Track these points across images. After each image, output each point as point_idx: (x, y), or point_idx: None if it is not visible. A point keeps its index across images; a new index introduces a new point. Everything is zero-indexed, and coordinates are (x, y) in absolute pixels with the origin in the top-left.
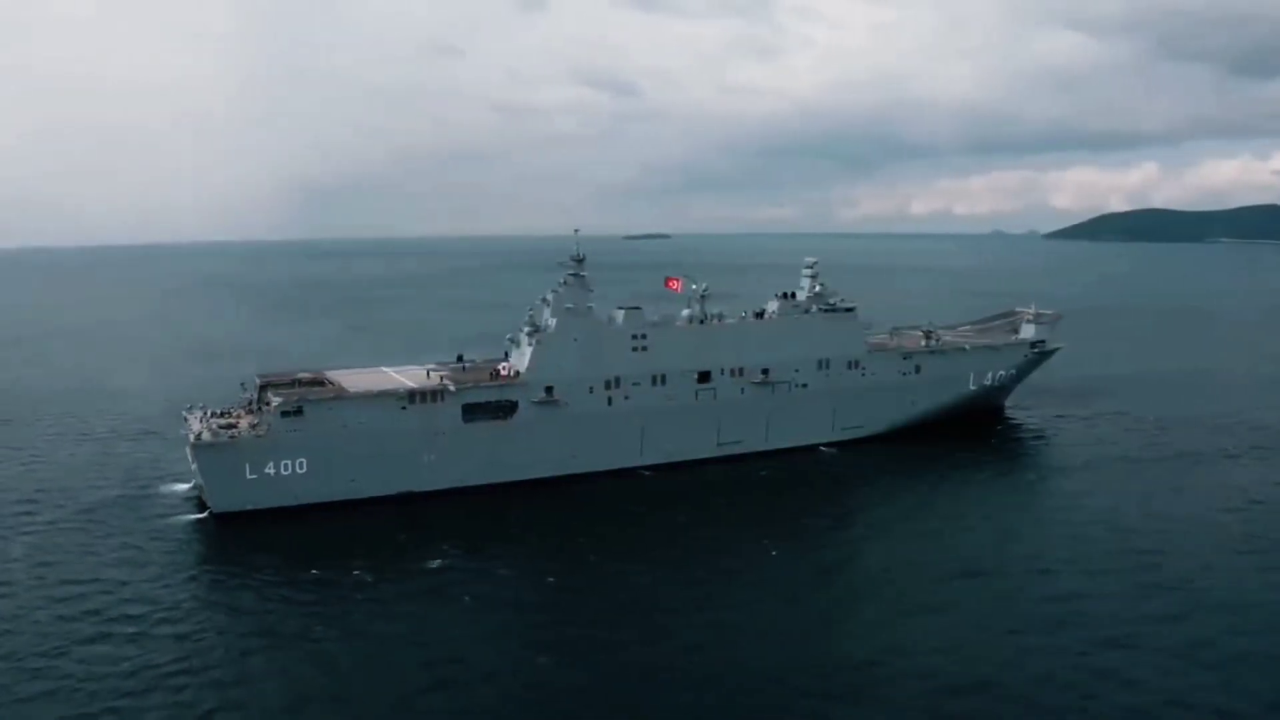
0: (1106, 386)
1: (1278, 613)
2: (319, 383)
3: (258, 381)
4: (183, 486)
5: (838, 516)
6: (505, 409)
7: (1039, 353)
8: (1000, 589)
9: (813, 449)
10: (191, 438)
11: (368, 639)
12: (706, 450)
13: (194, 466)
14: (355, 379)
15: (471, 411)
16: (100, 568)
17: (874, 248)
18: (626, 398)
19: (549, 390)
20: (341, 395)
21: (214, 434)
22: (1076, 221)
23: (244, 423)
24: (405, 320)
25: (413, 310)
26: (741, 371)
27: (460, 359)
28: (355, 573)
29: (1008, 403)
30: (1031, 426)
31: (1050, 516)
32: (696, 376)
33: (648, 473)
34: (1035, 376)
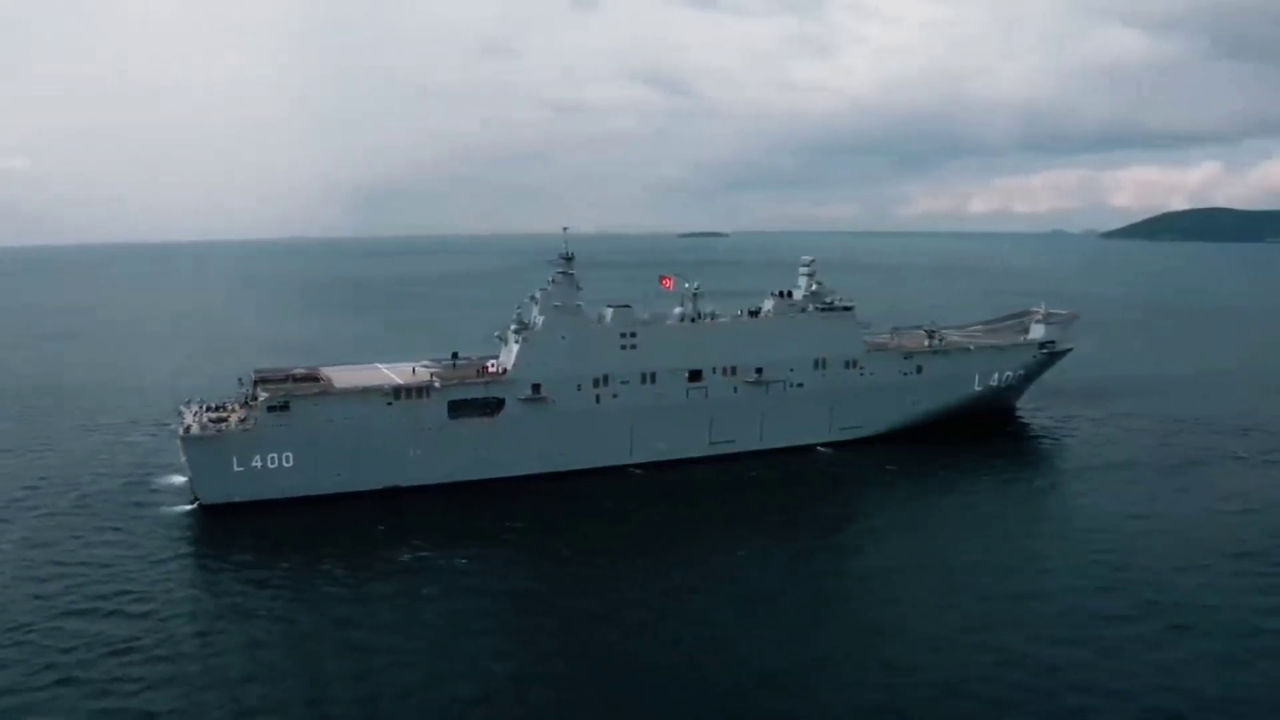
0: (1124, 387)
1: (1240, 622)
2: (312, 378)
3: (253, 376)
4: (180, 479)
5: (822, 517)
6: (492, 406)
7: (1048, 354)
8: (984, 593)
9: (809, 449)
10: (181, 430)
11: (320, 626)
12: (698, 449)
13: (184, 459)
14: (348, 375)
15: (457, 408)
16: (85, 551)
17: (931, 247)
18: (615, 396)
19: (536, 388)
20: (326, 391)
21: (203, 427)
22: (1136, 220)
23: (235, 417)
24: (445, 317)
25: (455, 307)
26: (734, 370)
27: (455, 356)
28: (325, 565)
29: (1020, 403)
30: (1040, 428)
31: (1043, 521)
32: (687, 375)
33: (638, 471)
34: (1053, 377)
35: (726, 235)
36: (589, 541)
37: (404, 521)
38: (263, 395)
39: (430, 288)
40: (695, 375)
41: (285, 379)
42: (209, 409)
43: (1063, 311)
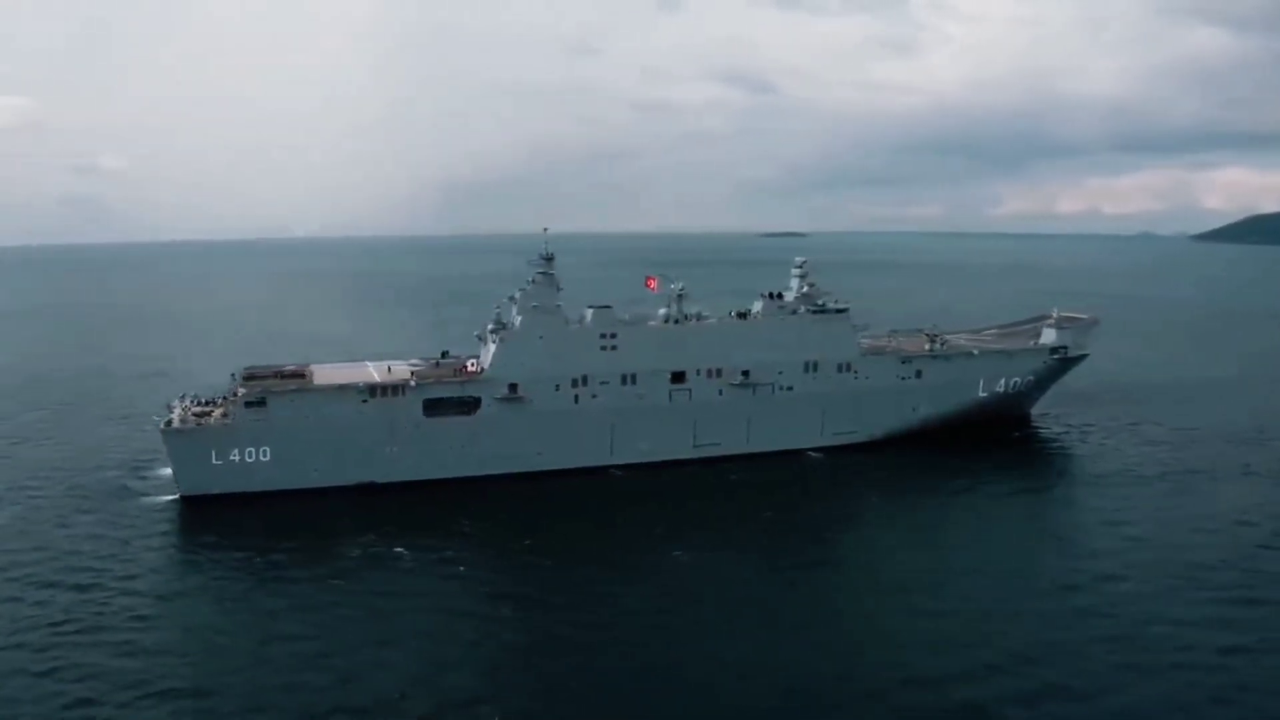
0: (1148, 394)
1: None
2: (299, 375)
3: (243, 373)
4: (169, 471)
5: (803, 521)
6: (468, 405)
7: (1061, 359)
8: (963, 604)
9: (799, 453)
10: (162, 424)
11: (262, 610)
12: (682, 451)
13: (165, 451)
14: (332, 373)
15: (433, 407)
16: (56, 532)
17: (1016, 248)
18: (595, 396)
19: (513, 387)
20: (303, 388)
21: (183, 421)
22: (1227, 223)
23: (218, 412)
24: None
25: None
26: (719, 372)
27: (444, 355)
28: (285, 554)
29: (1036, 410)
30: (1050, 436)
31: (1031, 533)
32: (670, 376)
33: (618, 472)
34: (1076, 383)
35: (805, 235)
36: (559, 540)
37: (374, 516)
38: (241, 391)
39: (508, 285)
40: (678, 377)
41: (273, 375)
42: (197, 403)
43: (1082, 316)
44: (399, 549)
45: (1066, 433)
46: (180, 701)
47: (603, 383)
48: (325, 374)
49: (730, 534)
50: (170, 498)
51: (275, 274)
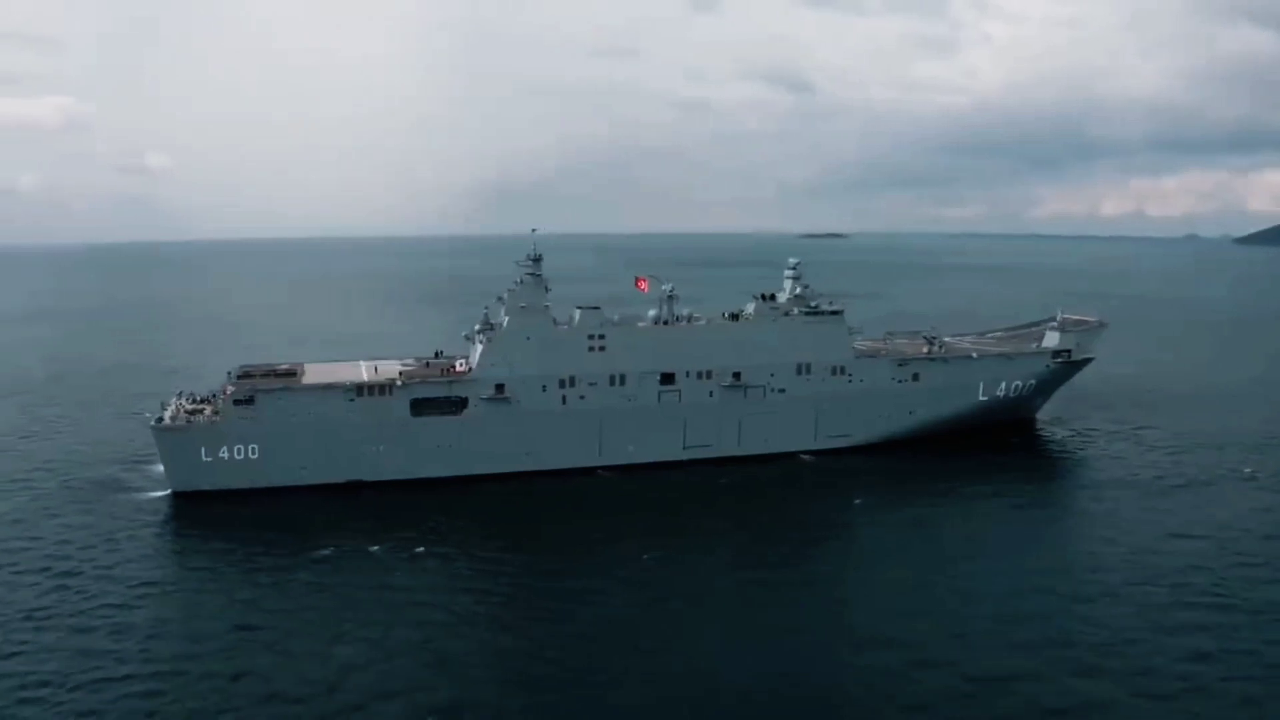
0: (1160, 399)
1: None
2: (291, 374)
3: (237, 371)
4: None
5: (778, 526)
6: (455, 405)
7: (1064, 363)
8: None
9: (791, 456)
10: (153, 421)
11: (240, 604)
12: (672, 453)
13: (156, 448)
14: (323, 372)
15: (420, 406)
16: (46, 523)
17: (1059, 249)
18: (582, 397)
19: (499, 388)
20: (291, 387)
21: (174, 418)
22: (1272, 225)
23: (209, 409)
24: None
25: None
26: (709, 374)
27: (438, 354)
28: (265, 549)
29: (1041, 415)
30: (1051, 441)
31: (1027, 541)
32: (659, 378)
33: (606, 474)
34: (1087, 387)
35: (846, 236)
36: (542, 542)
37: (359, 514)
38: (231, 389)
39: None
40: (668, 378)
41: (267, 374)
42: (191, 401)
43: (1090, 318)
44: (379, 547)
45: (1069, 438)
46: (137, 686)
47: (591, 384)
48: (316, 373)
49: (715, 538)
50: (161, 493)
51: (344, 274)
